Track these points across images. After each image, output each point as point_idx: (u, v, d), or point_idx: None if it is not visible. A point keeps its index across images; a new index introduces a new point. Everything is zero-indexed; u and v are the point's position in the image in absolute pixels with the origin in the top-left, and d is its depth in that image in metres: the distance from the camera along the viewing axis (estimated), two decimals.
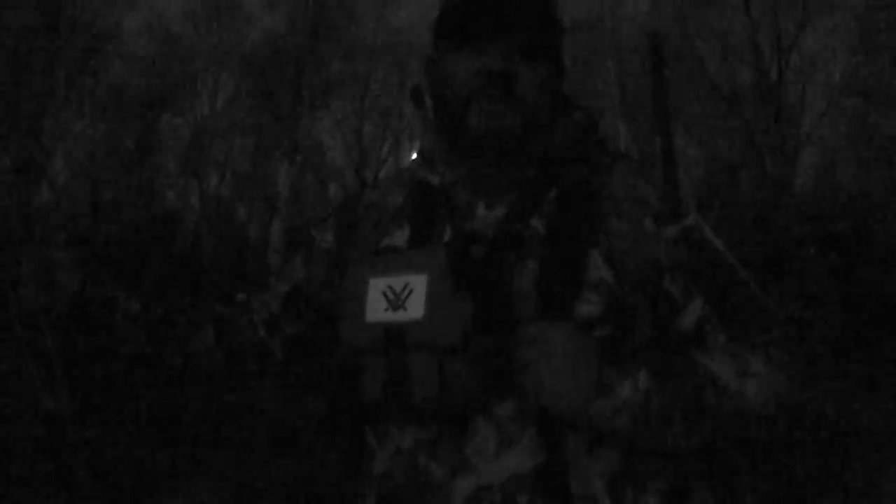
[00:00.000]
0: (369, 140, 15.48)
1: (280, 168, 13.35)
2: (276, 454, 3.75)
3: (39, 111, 12.42)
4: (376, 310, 1.14)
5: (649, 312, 1.17)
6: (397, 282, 1.14)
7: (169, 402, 4.25)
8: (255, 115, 14.84)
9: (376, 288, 1.15)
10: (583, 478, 1.13)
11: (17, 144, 11.61)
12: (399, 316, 1.12)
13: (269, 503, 3.52)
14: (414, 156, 1.33)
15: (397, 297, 1.13)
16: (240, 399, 4.10)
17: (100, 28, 13.54)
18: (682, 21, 12.79)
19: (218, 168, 14.73)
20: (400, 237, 1.25)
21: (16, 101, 12.03)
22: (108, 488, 3.62)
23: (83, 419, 3.86)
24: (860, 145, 12.17)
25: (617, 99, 12.93)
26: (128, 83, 13.95)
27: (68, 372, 3.79)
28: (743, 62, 13.09)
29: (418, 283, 1.13)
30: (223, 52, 15.33)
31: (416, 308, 1.12)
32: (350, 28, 15.33)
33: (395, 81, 15.51)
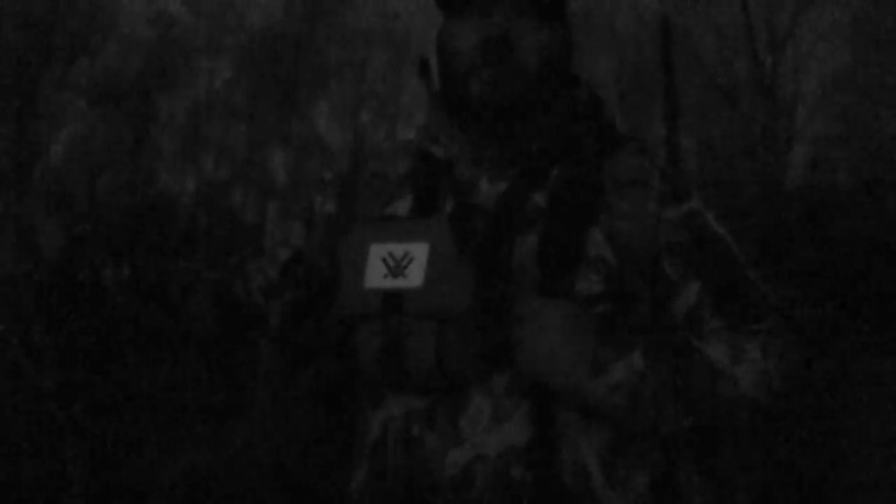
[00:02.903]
0: (366, 125, 15.45)
1: (276, 153, 13.38)
2: (271, 421, 3.74)
3: (35, 93, 12.38)
4: (376, 276, 1.13)
5: (647, 294, 1.18)
6: (398, 249, 1.14)
7: (162, 367, 4.22)
8: (252, 100, 14.81)
9: (376, 254, 1.14)
10: (576, 452, 1.14)
11: (13, 126, 11.58)
12: (399, 283, 1.12)
13: (263, 470, 3.53)
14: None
15: (398, 263, 1.13)
16: (235, 365, 4.07)
17: (96, 9, 13.48)
18: (679, 13, 12.79)
19: (214, 152, 14.71)
20: (402, 207, 1.25)
21: (12, 83, 11.99)
22: (97, 460, 3.59)
23: (69, 387, 3.82)
24: (853, 138, 12.22)
25: (613, 90, 12.94)
26: (125, 66, 13.90)
27: (52, 338, 3.76)
28: (738, 55, 13.11)
29: (419, 251, 1.13)
30: (220, 36, 15.28)
31: (415, 276, 1.11)
32: (347, 13, 15.30)
33: (393, 67, 15.47)
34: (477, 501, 1.13)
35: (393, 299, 1.12)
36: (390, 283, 1.12)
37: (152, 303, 3.92)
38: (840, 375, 4.90)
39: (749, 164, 11.88)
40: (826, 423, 4.15)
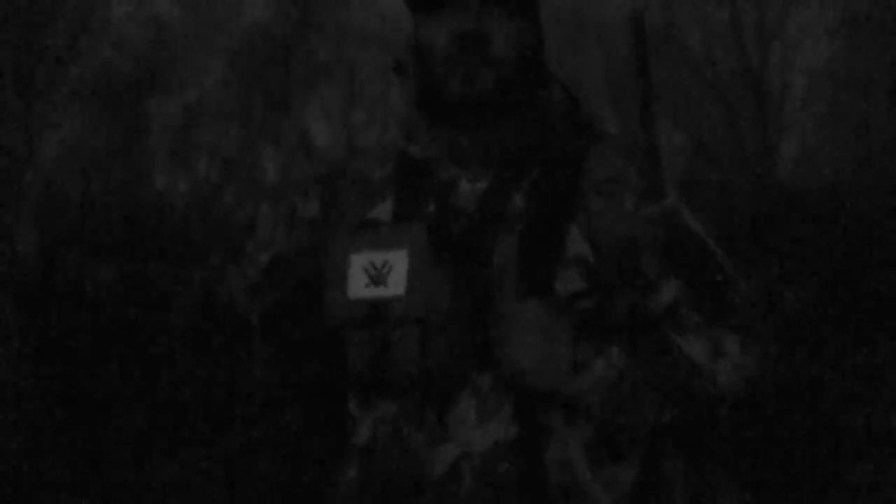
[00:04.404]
0: (357, 127, 15.45)
1: (267, 154, 13.38)
2: (259, 423, 3.73)
3: (26, 96, 12.36)
4: (358, 286, 1.16)
5: (626, 291, 1.21)
6: (378, 258, 1.16)
7: (150, 370, 4.21)
8: (244, 101, 14.80)
9: (357, 264, 1.17)
10: (562, 447, 1.17)
11: (4, 128, 11.57)
12: (380, 292, 1.15)
13: (252, 473, 3.52)
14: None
15: (378, 272, 1.16)
16: (220, 366, 4.06)
17: (87, 11, 13.45)
18: (665, 6, 12.80)
19: (206, 154, 14.69)
20: (384, 210, 1.26)
21: (3, 84, 11.97)
22: (84, 464, 3.58)
23: (52, 393, 3.79)
24: (842, 132, 12.25)
25: (603, 85, 12.95)
26: (116, 68, 13.88)
27: (35, 344, 3.75)
28: (726, 50, 13.14)
29: (399, 259, 1.15)
30: (211, 37, 15.26)
31: (397, 284, 1.15)
32: (339, 14, 15.28)
33: (384, 68, 15.47)
34: (465, 498, 1.16)
35: (376, 308, 1.15)
36: (372, 293, 1.16)
37: (137, 305, 3.93)
38: (832, 369, 4.91)
39: (738, 160, 11.90)
40: (819, 417, 4.16)
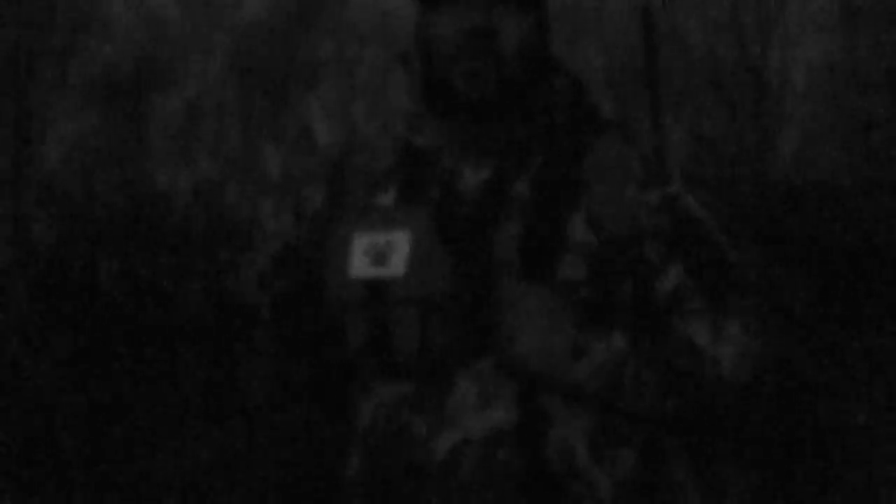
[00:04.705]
0: (358, 122, 15.43)
1: (269, 149, 13.38)
2: (266, 413, 3.74)
3: (29, 92, 12.35)
4: (360, 266, 1.17)
5: (629, 277, 1.22)
6: (381, 238, 1.17)
7: (156, 361, 4.20)
8: (245, 97, 14.79)
9: (360, 244, 1.18)
10: (563, 432, 1.18)
11: (8, 125, 11.57)
12: (382, 272, 1.16)
13: (258, 462, 3.53)
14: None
15: (381, 253, 1.16)
16: (229, 357, 4.06)
17: (89, 9, 13.44)
18: (666, 1, 12.78)
19: (208, 149, 14.69)
20: (387, 199, 1.28)
21: (6, 82, 11.96)
22: (93, 454, 3.58)
23: (65, 381, 3.80)
24: (840, 125, 12.24)
25: (604, 79, 12.92)
26: (118, 65, 13.87)
27: (47, 333, 3.75)
28: (725, 42, 13.12)
29: (401, 240, 1.16)
30: (211, 33, 15.25)
31: (398, 264, 1.15)
32: (338, 10, 15.27)
33: (385, 64, 15.47)
34: (464, 485, 1.17)
35: (377, 288, 1.16)
36: (374, 273, 1.16)
37: (145, 297, 3.95)
38: (831, 367, 4.91)
39: (738, 154, 11.90)
40: (819, 416, 4.16)
